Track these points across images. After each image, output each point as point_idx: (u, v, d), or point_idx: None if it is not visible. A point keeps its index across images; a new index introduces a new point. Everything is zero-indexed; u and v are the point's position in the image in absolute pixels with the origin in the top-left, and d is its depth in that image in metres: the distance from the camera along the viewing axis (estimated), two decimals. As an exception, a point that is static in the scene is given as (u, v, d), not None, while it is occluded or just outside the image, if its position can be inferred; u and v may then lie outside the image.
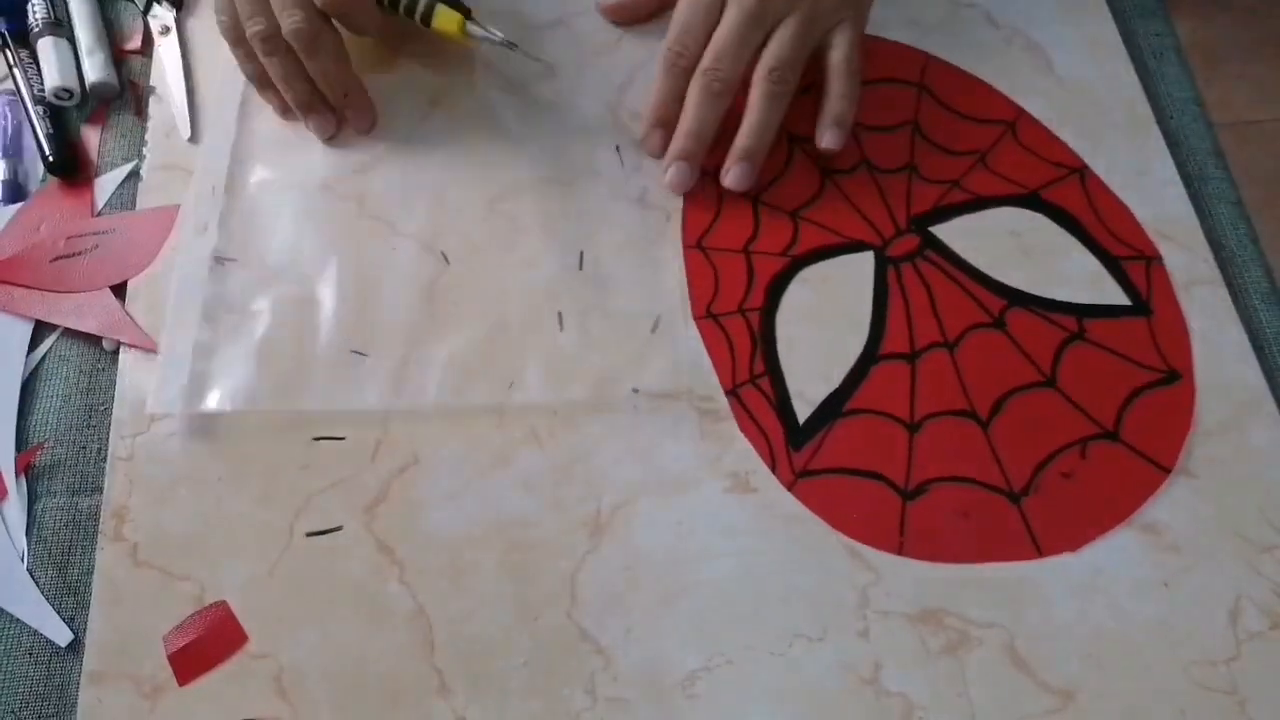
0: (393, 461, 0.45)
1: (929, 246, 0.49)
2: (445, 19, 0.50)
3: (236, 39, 0.50)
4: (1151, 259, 0.48)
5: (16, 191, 0.53)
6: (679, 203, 0.51)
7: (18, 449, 0.46)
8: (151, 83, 0.55)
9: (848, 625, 0.41)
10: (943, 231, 0.49)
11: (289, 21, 0.48)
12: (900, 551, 0.42)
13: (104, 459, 0.45)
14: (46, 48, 0.55)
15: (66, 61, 0.55)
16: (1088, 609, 0.42)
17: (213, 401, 0.45)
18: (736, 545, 0.43)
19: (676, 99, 0.49)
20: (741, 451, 0.45)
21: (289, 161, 0.52)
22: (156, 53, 0.56)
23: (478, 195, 0.51)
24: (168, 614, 0.42)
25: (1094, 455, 0.44)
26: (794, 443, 0.45)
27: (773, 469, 0.44)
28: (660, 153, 0.50)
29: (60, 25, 0.55)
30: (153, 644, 0.42)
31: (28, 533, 0.45)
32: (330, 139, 0.52)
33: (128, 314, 0.48)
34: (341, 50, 0.50)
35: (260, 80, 0.51)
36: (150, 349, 0.47)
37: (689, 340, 0.47)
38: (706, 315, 0.48)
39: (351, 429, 0.45)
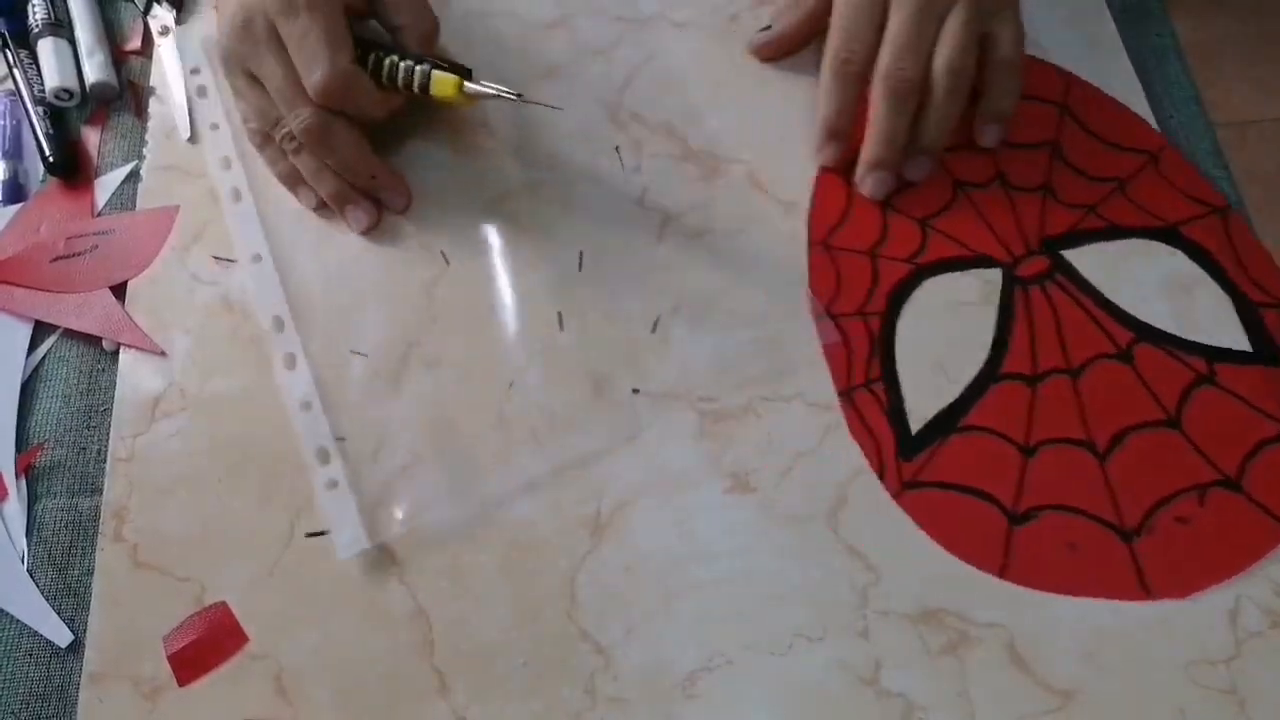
0: (393, 461, 0.45)
1: (1059, 270, 0.47)
2: (442, 85, 0.48)
3: (263, 141, 0.50)
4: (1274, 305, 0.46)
5: (16, 192, 0.53)
6: (805, 196, 0.50)
7: (18, 450, 0.46)
8: (151, 83, 0.55)
9: (848, 625, 0.41)
10: (1074, 256, 0.48)
11: (297, 121, 0.47)
12: (1002, 575, 0.42)
13: (104, 460, 0.45)
14: (46, 48, 0.55)
15: (66, 62, 0.55)
16: (1088, 608, 0.42)
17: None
18: (736, 545, 0.43)
19: (851, 107, 0.49)
20: (740, 452, 0.45)
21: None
22: (156, 53, 0.56)
23: (478, 195, 0.51)
24: (168, 614, 0.42)
25: (1212, 503, 0.42)
26: (904, 453, 0.44)
27: (880, 476, 0.43)
28: (836, 163, 0.50)
29: (60, 26, 0.56)
30: (153, 644, 0.42)
31: (28, 534, 0.45)
32: (368, 230, 0.50)
33: (128, 314, 0.48)
34: (356, 138, 0.48)
35: (292, 179, 0.50)
36: (150, 349, 0.48)
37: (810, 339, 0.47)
38: (826, 314, 0.47)
39: (351, 429, 0.45)
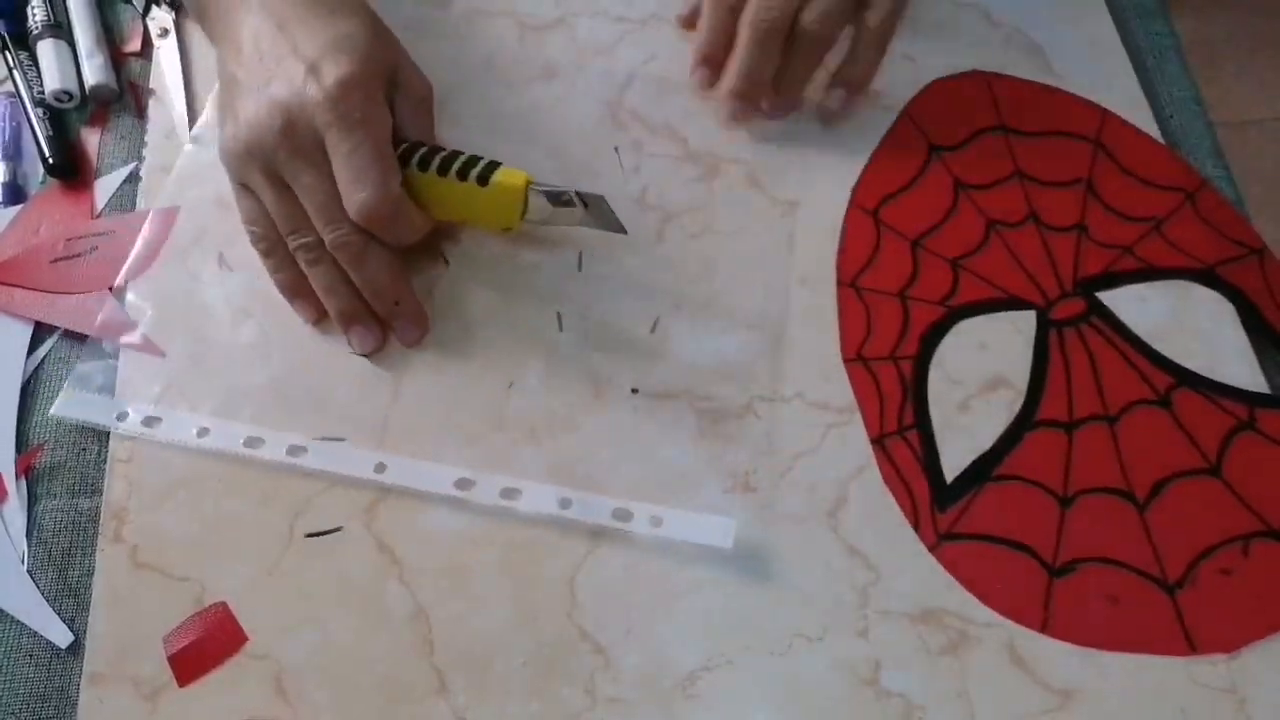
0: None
1: (1095, 313, 0.47)
2: (510, 176, 0.45)
3: (269, 249, 0.47)
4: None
5: (16, 193, 0.53)
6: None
7: (18, 451, 0.46)
8: (151, 85, 0.55)
9: (848, 625, 0.41)
10: (1110, 298, 0.47)
11: (334, 235, 0.44)
12: (1044, 630, 0.41)
13: (104, 461, 0.45)
14: (46, 50, 0.55)
15: (66, 64, 0.55)
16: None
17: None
18: (736, 545, 0.43)
19: (723, 38, 0.50)
20: (740, 452, 0.45)
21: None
22: (156, 55, 0.56)
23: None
24: (167, 615, 0.42)
25: (1257, 553, 0.42)
26: (940, 503, 0.43)
27: (915, 527, 0.43)
28: (707, 88, 0.52)
29: (60, 28, 0.56)
30: (153, 645, 0.42)
31: (28, 535, 0.45)
32: (371, 353, 0.47)
33: (127, 314, 0.48)
34: (391, 260, 0.46)
35: (295, 289, 0.47)
36: (150, 350, 0.48)
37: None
38: (857, 358, 0.46)
39: (352, 429, 0.45)
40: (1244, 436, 0.44)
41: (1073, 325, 0.46)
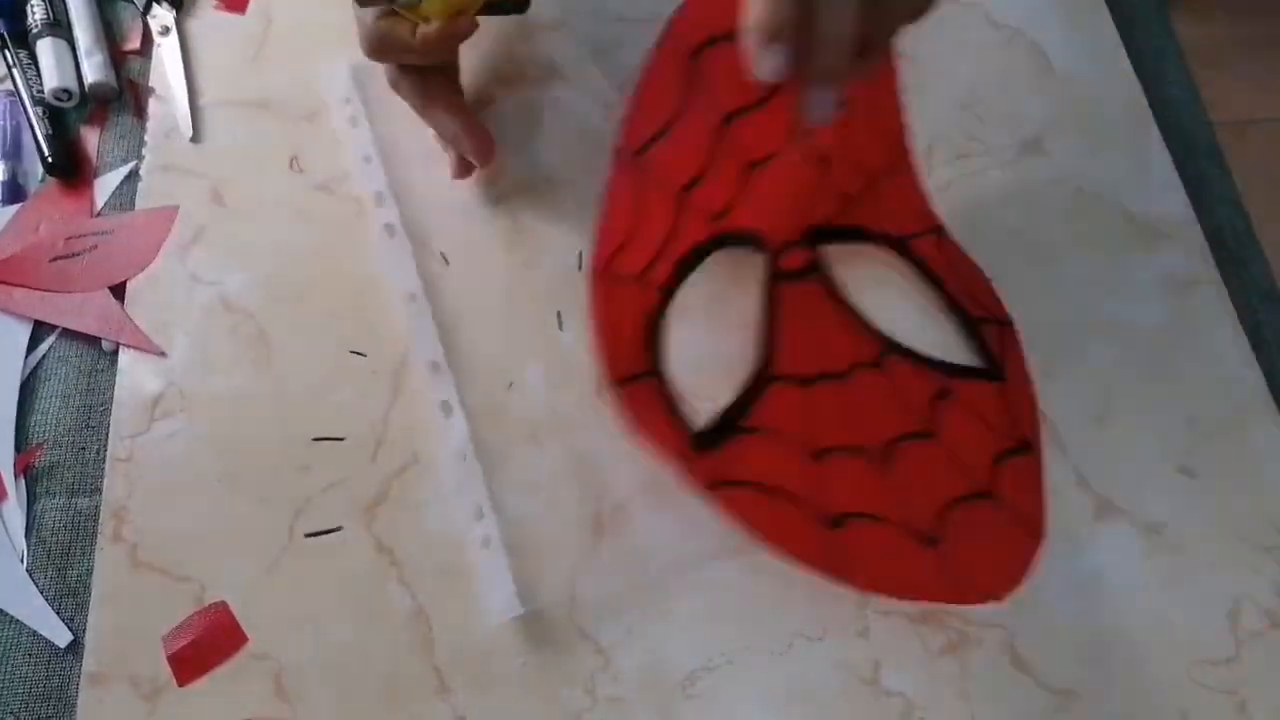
0: (392, 462, 0.45)
1: (818, 271, 0.47)
2: None
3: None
4: (1004, 323, 0.47)
5: (16, 192, 0.53)
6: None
7: (17, 450, 0.46)
8: (151, 83, 0.55)
9: (847, 625, 0.41)
10: (833, 254, 0.47)
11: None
12: (820, 572, 0.41)
13: (103, 460, 0.45)
14: (45, 49, 0.54)
15: (65, 62, 0.55)
16: (1088, 609, 0.42)
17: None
18: (737, 544, 0.43)
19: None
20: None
21: (281, 162, 0.52)
22: (156, 53, 0.56)
23: (478, 195, 0.51)
24: (167, 614, 0.42)
25: (972, 513, 0.42)
26: (696, 450, 0.43)
27: (671, 469, 0.42)
28: (781, 76, 0.36)
29: (59, 26, 0.55)
30: (152, 644, 0.42)
31: (27, 534, 0.44)
32: (463, 177, 0.50)
33: (127, 314, 0.48)
34: (419, 90, 0.48)
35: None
36: (150, 349, 0.48)
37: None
38: (606, 271, 0.43)
39: (351, 429, 0.45)
40: (947, 402, 0.44)
41: (799, 278, 0.46)
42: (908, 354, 0.46)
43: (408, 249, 0.49)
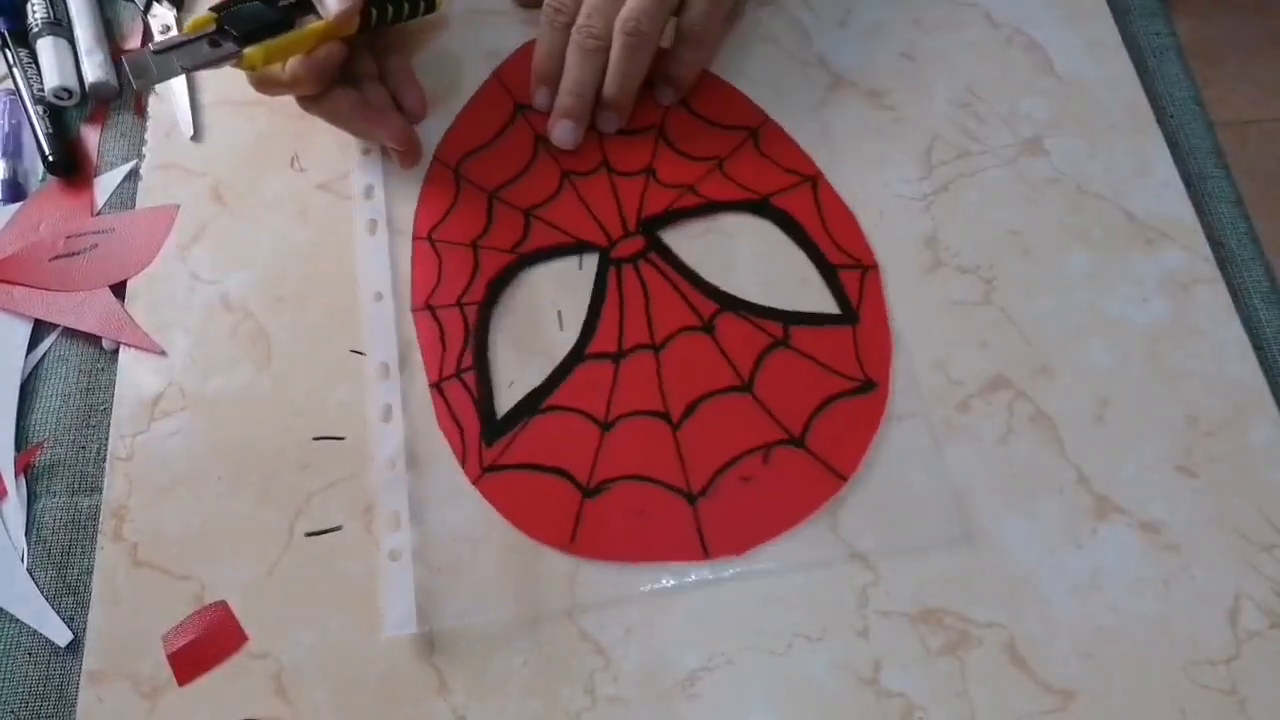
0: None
1: (654, 249, 0.49)
2: None
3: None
4: (868, 268, 0.48)
5: (16, 191, 0.53)
6: (415, 193, 0.51)
7: (17, 449, 0.46)
8: (151, 82, 0.55)
9: (847, 625, 0.41)
10: (669, 235, 0.49)
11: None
12: (569, 549, 0.42)
13: (103, 459, 0.45)
14: (46, 48, 0.55)
15: (66, 61, 0.55)
16: (1088, 608, 0.42)
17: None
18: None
19: (556, 55, 0.50)
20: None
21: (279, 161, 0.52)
22: (156, 52, 0.56)
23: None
24: (167, 614, 0.42)
25: (777, 461, 0.44)
26: (488, 438, 0.45)
27: (462, 464, 0.44)
28: (544, 108, 0.51)
29: (60, 25, 0.55)
30: (152, 644, 0.42)
31: (27, 533, 0.45)
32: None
33: (127, 313, 0.48)
34: (323, 110, 0.49)
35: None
36: (150, 349, 0.48)
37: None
38: (425, 308, 0.48)
39: (351, 429, 0.45)
40: (778, 353, 0.46)
41: (631, 262, 0.48)
42: (746, 310, 0.47)
43: (385, 246, 0.49)
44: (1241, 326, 0.47)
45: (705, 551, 0.42)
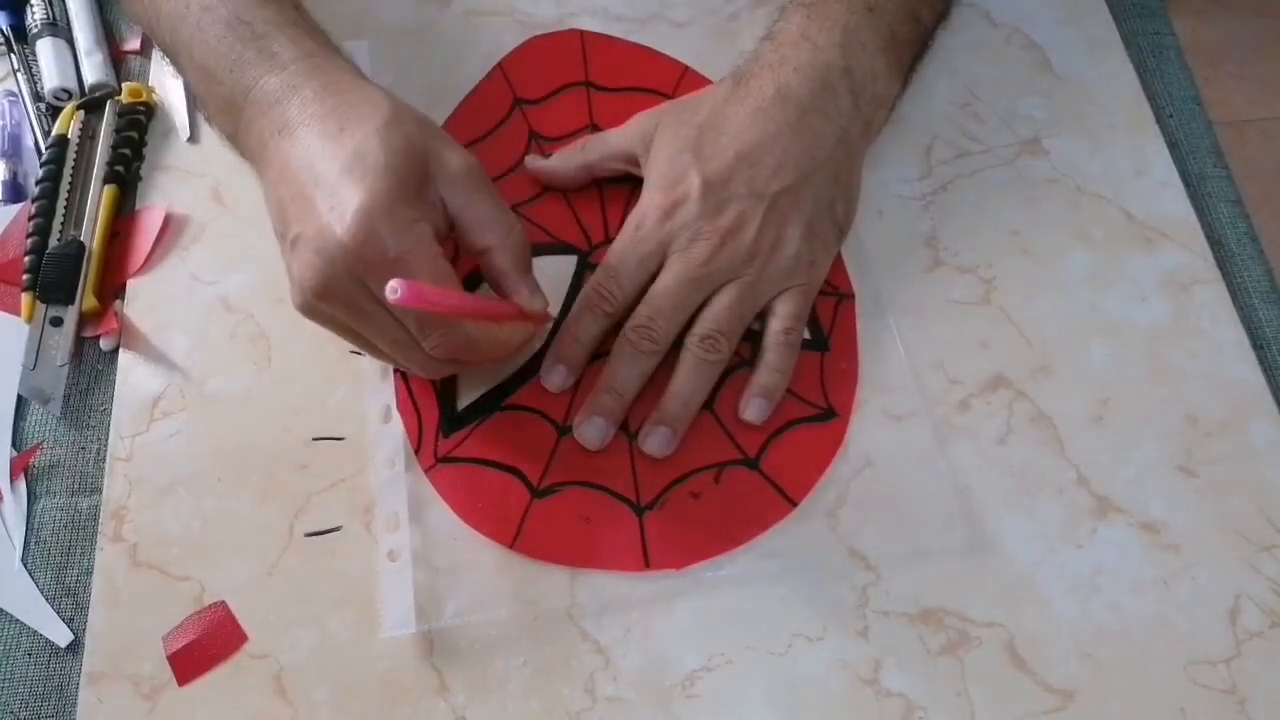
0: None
1: None
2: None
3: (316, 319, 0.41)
4: (844, 296, 0.48)
5: (16, 192, 0.53)
6: None
7: (16, 449, 0.46)
8: (150, 84, 0.55)
9: (847, 625, 0.41)
10: None
11: (420, 366, 0.42)
12: (512, 546, 0.43)
13: (103, 459, 0.45)
14: (45, 49, 0.55)
15: (65, 62, 0.55)
16: (1087, 608, 0.42)
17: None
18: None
19: (591, 343, 0.45)
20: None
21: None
22: (156, 53, 0.56)
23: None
24: (167, 614, 0.42)
25: (729, 480, 0.44)
26: (446, 429, 0.45)
27: (417, 452, 0.44)
28: (561, 390, 0.45)
29: (59, 26, 0.55)
30: (152, 644, 0.42)
31: (27, 533, 0.45)
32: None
33: (127, 314, 0.48)
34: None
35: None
36: (149, 350, 0.48)
37: None
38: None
39: (351, 429, 0.45)
40: (742, 374, 0.46)
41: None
42: None
43: None
44: (1241, 326, 0.47)
45: (646, 563, 0.42)
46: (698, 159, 0.45)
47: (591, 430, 0.44)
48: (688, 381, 0.44)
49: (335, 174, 0.38)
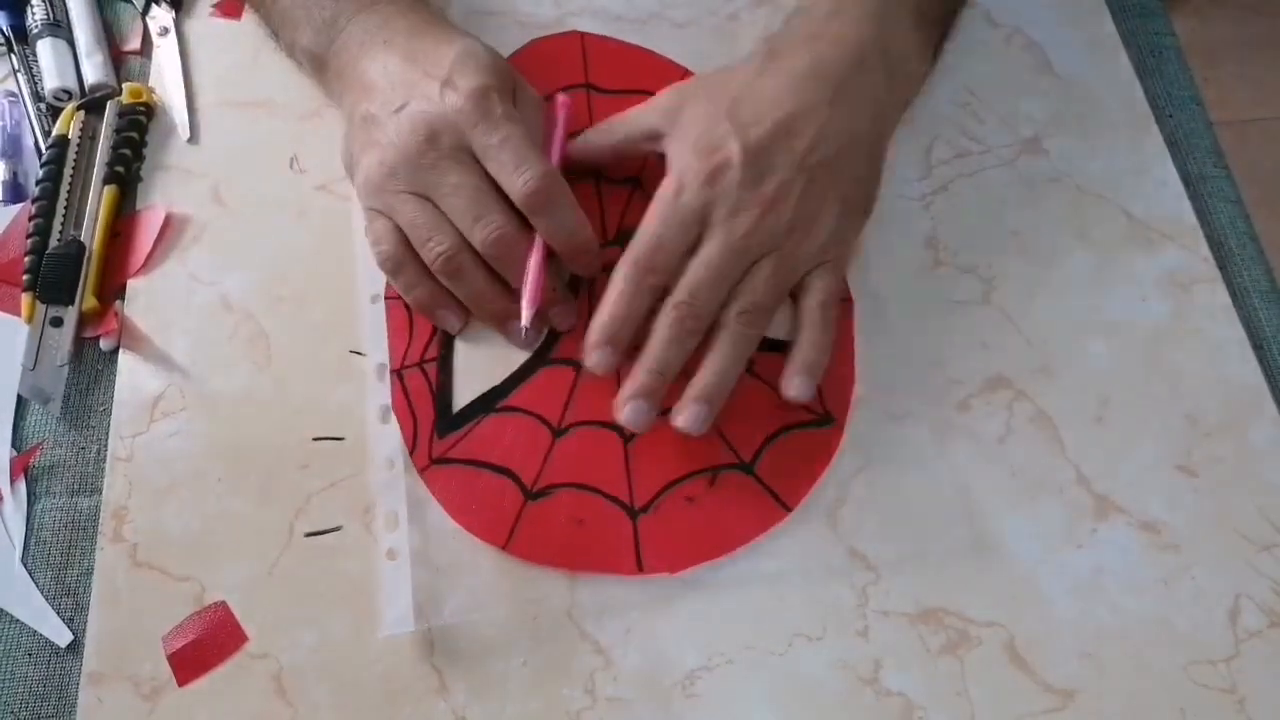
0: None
1: None
2: None
3: (396, 267, 0.46)
4: (843, 300, 0.47)
5: (16, 192, 0.53)
6: None
7: (16, 450, 0.46)
8: (150, 84, 0.55)
9: (847, 625, 0.41)
10: None
11: (486, 229, 0.44)
12: (505, 547, 0.42)
13: (103, 459, 0.45)
14: (45, 49, 0.55)
15: (65, 63, 0.55)
16: (1088, 608, 0.42)
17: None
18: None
19: (638, 319, 0.43)
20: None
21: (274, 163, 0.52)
22: (155, 54, 0.56)
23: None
24: (167, 614, 0.42)
25: (724, 484, 0.44)
26: (440, 430, 0.45)
27: (412, 452, 0.44)
28: (607, 372, 0.44)
29: (59, 26, 0.55)
30: (152, 644, 0.42)
31: (27, 534, 0.44)
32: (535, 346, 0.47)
33: (127, 314, 0.48)
34: (544, 251, 0.45)
35: (432, 302, 0.46)
36: (149, 350, 0.48)
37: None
38: (397, 296, 0.47)
39: (351, 429, 0.45)
40: (740, 379, 0.44)
41: (605, 272, 0.46)
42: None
43: None
44: (1241, 326, 0.47)
45: (639, 567, 0.42)
46: (736, 126, 0.44)
47: (633, 412, 0.42)
48: (727, 356, 0.43)
49: (448, 63, 0.45)
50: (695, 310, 0.43)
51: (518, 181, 0.43)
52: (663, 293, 0.43)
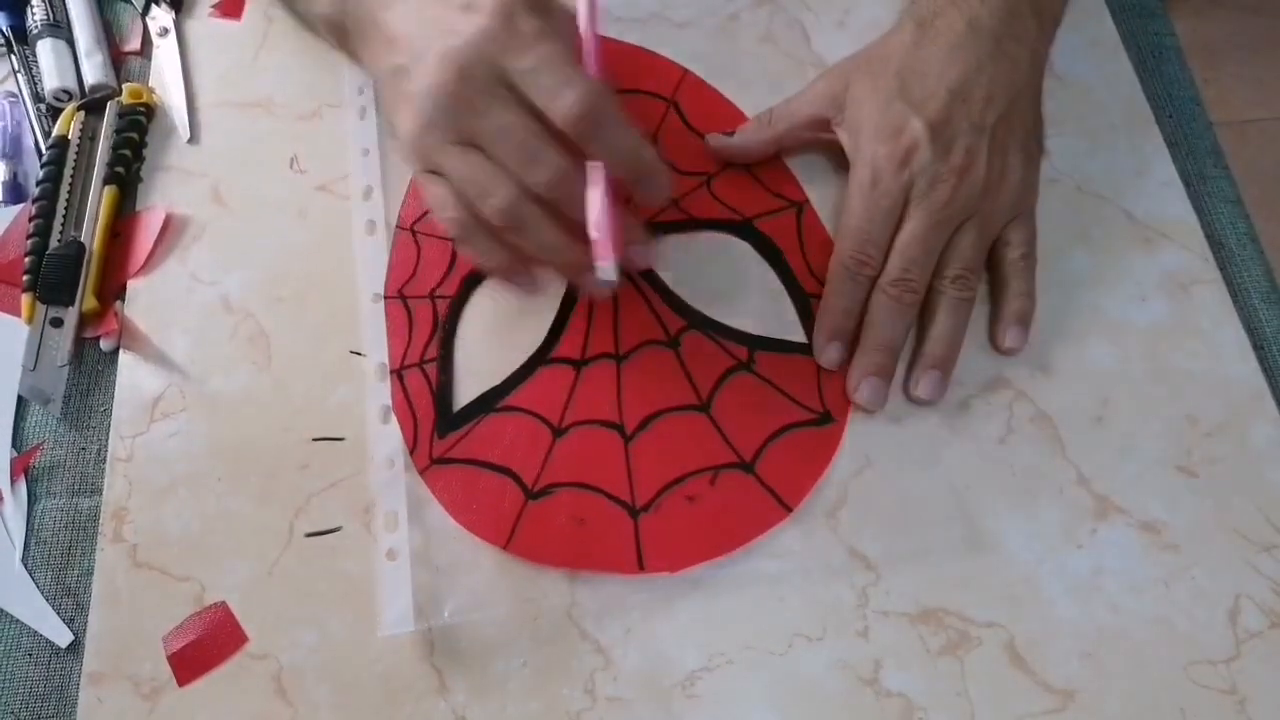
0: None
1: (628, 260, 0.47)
2: None
3: (465, 233, 0.42)
4: None
5: (16, 192, 0.53)
6: (404, 187, 0.50)
7: (17, 450, 0.46)
8: (150, 84, 0.55)
9: (847, 625, 0.41)
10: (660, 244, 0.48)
11: (540, 171, 0.40)
12: (505, 547, 0.42)
13: (103, 460, 0.45)
14: (45, 49, 0.55)
15: (65, 63, 0.55)
16: (1088, 608, 0.42)
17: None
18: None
19: (859, 309, 0.45)
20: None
21: (275, 164, 0.52)
22: (155, 54, 0.56)
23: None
24: (167, 614, 0.42)
25: (724, 484, 0.44)
26: (441, 430, 0.45)
27: (412, 452, 0.44)
28: (840, 366, 0.45)
29: (59, 27, 0.56)
30: (152, 644, 0.42)
31: (27, 534, 0.45)
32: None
33: (127, 314, 0.48)
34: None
35: (508, 269, 0.43)
36: (149, 350, 0.48)
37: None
38: (397, 296, 0.48)
39: (351, 429, 0.45)
40: (739, 376, 0.46)
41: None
42: (714, 330, 0.47)
43: (384, 247, 0.49)
44: (1241, 326, 0.47)
45: (640, 565, 0.42)
46: (911, 104, 0.45)
47: (869, 390, 0.44)
48: (948, 322, 0.45)
49: None
50: (911, 285, 0.45)
51: (559, 107, 0.39)
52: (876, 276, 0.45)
